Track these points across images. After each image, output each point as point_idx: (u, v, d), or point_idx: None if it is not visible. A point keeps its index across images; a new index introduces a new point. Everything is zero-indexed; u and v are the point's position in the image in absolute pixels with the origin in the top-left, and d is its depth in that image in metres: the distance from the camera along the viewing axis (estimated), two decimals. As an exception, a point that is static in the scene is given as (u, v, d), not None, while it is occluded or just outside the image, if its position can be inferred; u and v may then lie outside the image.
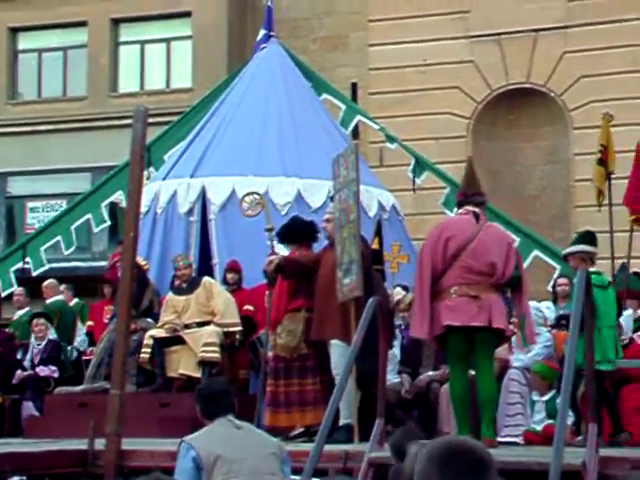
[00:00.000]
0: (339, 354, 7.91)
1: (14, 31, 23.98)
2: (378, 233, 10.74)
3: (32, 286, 13.12)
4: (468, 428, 6.99)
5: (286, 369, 8.50)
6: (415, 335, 7.26)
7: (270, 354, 8.85)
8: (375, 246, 10.10)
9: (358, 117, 14.24)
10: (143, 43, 23.33)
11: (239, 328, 10.25)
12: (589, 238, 8.24)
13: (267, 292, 9.21)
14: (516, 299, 7.19)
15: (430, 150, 17.48)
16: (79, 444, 7.27)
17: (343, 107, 14.14)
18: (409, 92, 19.60)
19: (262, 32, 13.71)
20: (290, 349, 8.48)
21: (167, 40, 23.18)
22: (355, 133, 14.84)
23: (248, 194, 10.75)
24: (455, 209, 7.78)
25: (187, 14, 22.86)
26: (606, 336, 7.67)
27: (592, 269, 7.75)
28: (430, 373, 9.07)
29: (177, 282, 10.55)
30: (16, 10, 23.48)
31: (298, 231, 8.88)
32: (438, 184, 14.27)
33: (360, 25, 20.78)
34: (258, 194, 10.85)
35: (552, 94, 19.36)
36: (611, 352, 7.71)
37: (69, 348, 11.72)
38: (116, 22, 23.44)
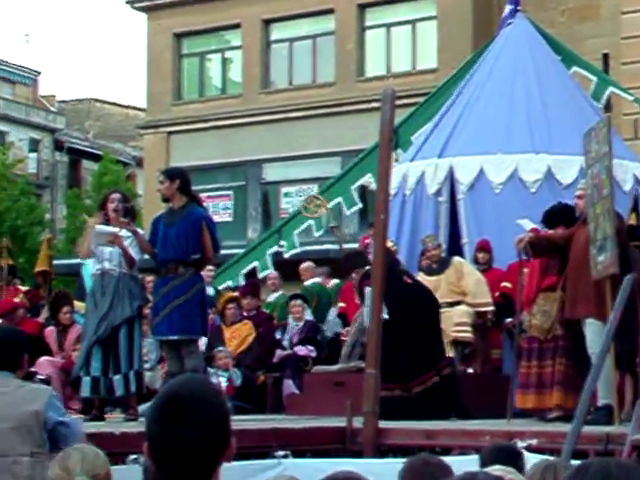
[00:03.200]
0: (594, 333, 7.71)
1: (267, 23, 24.83)
2: (635, 208, 10.35)
3: (285, 269, 13.59)
4: None
5: (539, 350, 8.37)
6: None
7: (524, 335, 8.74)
8: (632, 222, 9.75)
9: (610, 89, 13.74)
10: (389, 26, 23.54)
11: (491, 308, 10.18)
12: None
13: (524, 270, 9.07)
14: None
15: (689, 120, 16.62)
16: (337, 421, 7.48)
17: (594, 79, 13.69)
18: (665, 60, 18.70)
19: (508, 7, 13.47)
20: (544, 330, 8.34)
21: (412, 22, 23.27)
22: (608, 106, 14.35)
23: (311, 196, 11.56)
24: None
25: (432, -6, 22.86)
26: None
27: None
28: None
29: (426, 262, 10.61)
30: (268, 3, 24.32)
31: (558, 213, 8.70)
32: (698, 155, 13.55)
33: (611, -7, 20.04)
34: (318, 197, 11.40)
35: None
36: None
37: (325, 329, 12.05)
38: (362, 7, 23.78)
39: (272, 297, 12.86)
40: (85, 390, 8.19)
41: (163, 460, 2.26)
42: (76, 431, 4.69)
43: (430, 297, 9.29)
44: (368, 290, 8.76)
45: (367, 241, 12.28)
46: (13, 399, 4.60)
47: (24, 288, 12.61)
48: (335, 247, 20.79)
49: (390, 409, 8.26)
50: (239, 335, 11.20)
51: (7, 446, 4.50)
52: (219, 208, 24.72)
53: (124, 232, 8.26)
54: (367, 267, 9.13)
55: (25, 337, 5.15)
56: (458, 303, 10.18)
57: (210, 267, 12.14)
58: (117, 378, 8.15)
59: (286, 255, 14.11)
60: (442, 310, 10.14)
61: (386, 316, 8.35)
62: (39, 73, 46.16)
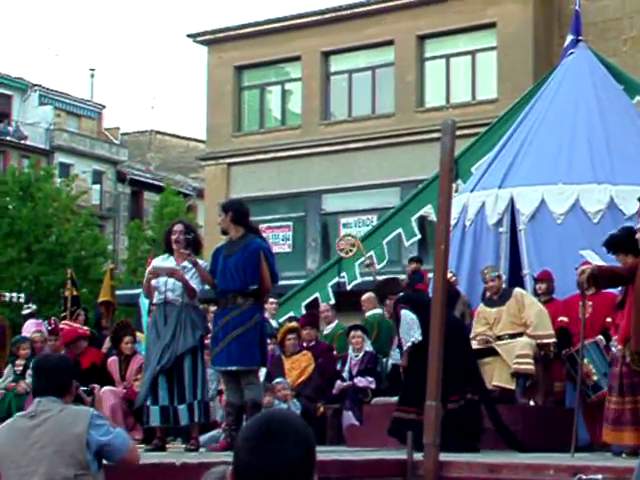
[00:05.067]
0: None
1: (326, 55, 24.99)
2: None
3: (346, 299, 13.57)
4: None
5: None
6: None
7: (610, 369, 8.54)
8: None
9: (674, 118, 13.57)
10: (448, 57, 23.55)
11: (553, 340, 10.06)
12: None
13: (580, 303, 8.97)
14: None
15: None
16: (398, 454, 7.43)
17: (659, 108, 13.54)
18: None
19: (569, 37, 13.42)
20: None
21: (472, 52, 23.26)
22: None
23: (344, 236, 12.97)
24: None
25: (492, 25, 22.83)
26: None
27: None
28: None
29: (487, 294, 10.53)
30: (328, 35, 24.49)
31: (623, 239, 8.55)
32: None
33: (673, 22, 19.86)
34: (352, 236, 11.87)
35: None
36: None
37: (384, 360, 11.99)
38: (422, 38, 23.83)
39: (328, 328, 12.85)
40: (154, 419, 8.20)
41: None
42: (120, 447, 4.79)
43: (458, 327, 9.27)
44: (403, 312, 8.89)
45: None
46: (55, 424, 4.71)
47: (77, 325, 12.77)
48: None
49: (402, 431, 8.40)
50: (299, 366, 11.19)
51: (52, 470, 4.60)
52: (279, 239, 24.83)
53: (186, 263, 8.31)
54: (401, 293, 9.27)
55: (72, 364, 5.32)
56: (519, 335, 10.07)
57: (272, 300, 12.16)
58: (182, 408, 8.17)
59: (348, 287, 14.12)
60: (503, 342, 10.06)
61: (420, 337, 8.68)
62: (104, 107, 46.96)
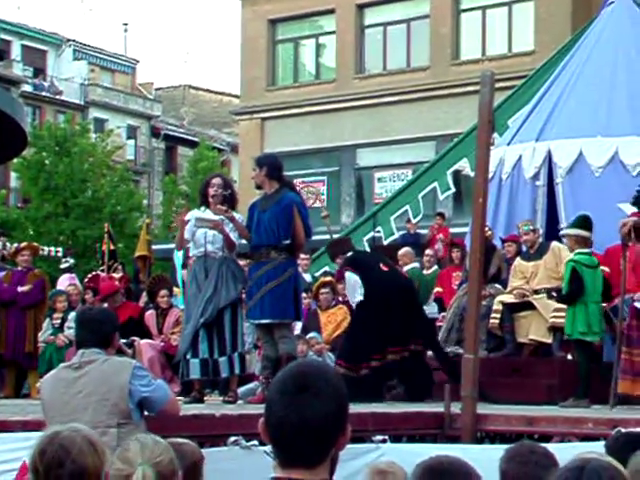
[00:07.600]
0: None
1: (361, 7, 24.77)
2: None
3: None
4: None
5: None
6: None
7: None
8: None
9: None
10: (484, 8, 23.27)
11: (590, 294, 9.99)
12: (584, 223, 9.07)
13: (622, 255, 8.91)
14: None
15: None
16: (436, 407, 7.45)
17: (699, 59, 13.30)
18: None
19: (609, -13, 13.19)
20: None
21: (509, 4, 22.97)
22: None
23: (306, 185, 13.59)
24: None
25: (528, -25, 22.52)
26: (592, 311, 8.74)
27: (585, 250, 8.96)
28: None
29: (522, 248, 10.48)
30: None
31: None
32: None
33: None
34: (313, 187, 12.66)
35: None
36: (596, 325, 8.78)
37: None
38: (457, -10, 23.58)
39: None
40: (195, 372, 8.26)
41: (281, 435, 2.22)
42: (161, 398, 4.91)
43: (404, 284, 9.58)
44: (347, 275, 9.25)
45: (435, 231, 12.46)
46: (99, 374, 4.81)
47: (117, 275, 12.90)
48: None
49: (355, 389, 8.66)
50: (334, 320, 11.23)
51: (95, 418, 4.68)
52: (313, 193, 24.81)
53: (223, 217, 8.30)
54: (350, 253, 9.59)
55: (115, 317, 5.42)
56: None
57: (303, 256, 12.16)
58: (222, 360, 8.23)
59: (385, 242, 14.10)
60: (540, 296, 10.02)
61: (361, 297, 9.03)
62: (137, 62, 46.92)
